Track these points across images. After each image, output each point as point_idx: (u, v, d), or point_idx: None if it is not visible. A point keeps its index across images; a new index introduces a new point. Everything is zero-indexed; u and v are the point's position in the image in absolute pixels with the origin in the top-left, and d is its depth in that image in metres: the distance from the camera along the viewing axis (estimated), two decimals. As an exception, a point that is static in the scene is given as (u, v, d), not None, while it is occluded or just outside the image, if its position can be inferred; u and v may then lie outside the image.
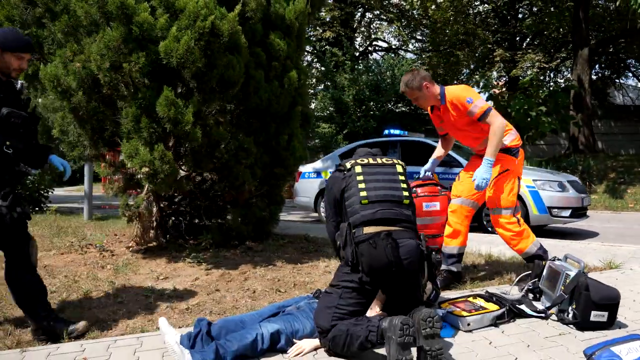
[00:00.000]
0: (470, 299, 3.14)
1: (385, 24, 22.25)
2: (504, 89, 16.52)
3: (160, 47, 3.73)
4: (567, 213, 6.58)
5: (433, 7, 20.29)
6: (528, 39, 22.42)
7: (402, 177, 2.77)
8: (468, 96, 3.47)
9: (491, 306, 2.99)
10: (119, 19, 3.68)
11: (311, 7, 5.00)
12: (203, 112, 4.19)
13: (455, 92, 3.53)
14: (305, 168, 9.07)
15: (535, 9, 21.30)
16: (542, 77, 20.07)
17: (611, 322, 2.76)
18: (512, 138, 3.65)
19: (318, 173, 8.88)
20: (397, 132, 8.37)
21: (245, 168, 4.53)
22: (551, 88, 17.03)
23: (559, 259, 3.19)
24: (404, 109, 17.52)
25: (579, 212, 6.76)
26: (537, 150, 19.01)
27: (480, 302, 3.06)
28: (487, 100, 15.69)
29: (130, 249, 5.07)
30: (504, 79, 21.57)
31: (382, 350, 2.52)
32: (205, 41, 3.77)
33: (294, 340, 2.66)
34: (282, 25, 4.67)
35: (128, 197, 5.10)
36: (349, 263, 2.56)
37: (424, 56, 21.71)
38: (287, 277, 4.04)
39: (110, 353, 2.68)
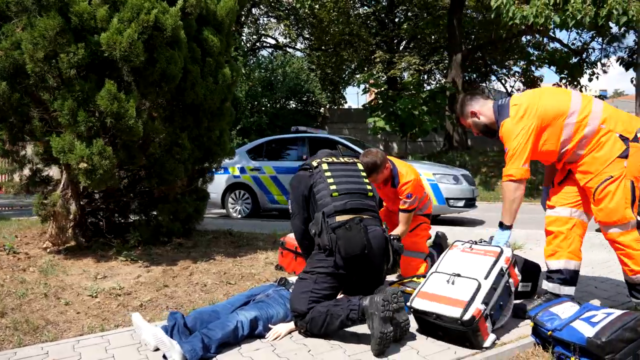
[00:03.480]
0: (415, 279, 3.52)
1: (274, 21, 22.47)
2: (385, 86, 17.49)
3: (102, 39, 3.59)
4: (462, 203, 7.37)
5: (317, 6, 20.94)
6: (404, 43, 24.03)
7: (363, 173, 3.07)
8: (409, 192, 3.81)
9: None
10: (56, 7, 3.49)
11: (239, 5, 5.07)
12: (139, 106, 4.11)
13: (406, 183, 3.82)
14: (212, 164, 9.03)
15: (410, 14, 22.88)
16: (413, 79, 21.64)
17: (534, 291, 3.29)
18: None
19: (225, 169, 8.87)
20: (303, 128, 8.68)
21: (179, 163, 4.50)
22: (427, 89, 18.43)
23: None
24: (295, 105, 17.92)
25: (470, 203, 7.60)
26: (415, 147, 20.53)
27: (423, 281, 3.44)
28: (375, 97, 16.64)
29: (47, 250, 4.76)
30: (383, 78, 22.95)
31: (351, 329, 2.79)
32: (148, 35, 3.72)
33: (270, 325, 2.82)
34: (213, 22, 4.69)
35: (42, 195, 4.79)
36: (326, 248, 2.77)
37: (312, 55, 22.28)
38: (232, 270, 4.12)
39: (80, 353, 2.63)
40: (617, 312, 2.48)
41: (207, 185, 5.47)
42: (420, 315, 2.76)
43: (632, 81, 18.43)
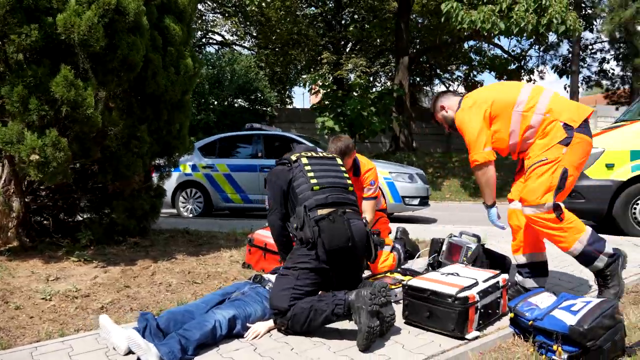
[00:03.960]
0: (388, 274, 3.49)
1: (221, 17, 22.02)
2: (334, 87, 17.48)
3: (58, 21, 3.32)
4: (417, 202, 7.46)
5: (264, 4, 20.66)
6: (351, 44, 24.21)
7: (343, 168, 3.01)
8: (372, 179, 3.94)
9: (409, 279, 3.35)
10: (6, -17, 3.19)
11: (200, -6, 4.88)
12: (95, 96, 3.84)
13: (368, 171, 3.95)
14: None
15: (356, 16, 23.10)
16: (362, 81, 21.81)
17: (504, 283, 3.33)
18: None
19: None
20: (258, 125, 8.52)
21: (137, 158, 4.26)
22: (374, 90, 18.62)
23: (455, 236, 3.70)
24: (242, 103, 17.63)
25: (425, 201, 7.70)
26: (362, 147, 20.68)
27: (398, 276, 3.42)
28: (323, 98, 16.62)
29: (-12, 251, 4.38)
30: (330, 79, 22.96)
31: (332, 325, 2.69)
32: (109, 19, 3.48)
33: (248, 324, 2.69)
34: (175, 10, 4.48)
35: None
36: (309, 241, 2.67)
37: (260, 53, 22.00)
38: (196, 269, 3.93)
39: (40, 360, 2.39)
40: (596, 300, 2.53)
41: (164, 182, 5.22)
42: (413, 292, 2.76)
43: (565, 87, 19.53)
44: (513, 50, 19.14)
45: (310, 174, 2.84)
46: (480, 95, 3.09)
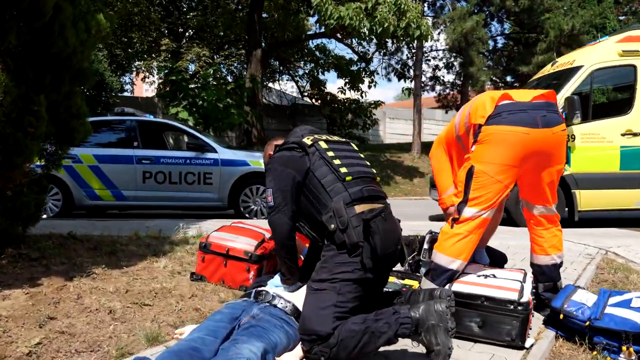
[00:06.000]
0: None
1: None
2: (187, 75, 16.27)
3: None
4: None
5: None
6: (190, 32, 22.89)
7: (362, 155, 2.52)
8: None
9: (410, 283, 3.01)
10: None
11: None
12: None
13: None
14: None
15: (194, 3, 21.94)
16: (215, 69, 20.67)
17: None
18: None
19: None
20: (131, 110, 7.36)
21: (32, 140, 3.16)
22: (231, 82, 17.83)
23: (436, 233, 3.43)
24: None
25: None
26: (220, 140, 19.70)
27: (397, 280, 3.05)
28: (174, 87, 15.34)
29: None
30: (169, 68, 21.32)
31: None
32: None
33: (276, 358, 2.05)
34: (81, -51, 3.43)
35: None
36: (358, 245, 2.12)
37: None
38: (133, 286, 3.02)
39: None
40: (647, 294, 2.47)
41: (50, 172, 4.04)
42: (460, 299, 2.37)
43: (402, 90, 21.01)
44: (361, 52, 19.89)
45: (337, 162, 2.30)
46: None
